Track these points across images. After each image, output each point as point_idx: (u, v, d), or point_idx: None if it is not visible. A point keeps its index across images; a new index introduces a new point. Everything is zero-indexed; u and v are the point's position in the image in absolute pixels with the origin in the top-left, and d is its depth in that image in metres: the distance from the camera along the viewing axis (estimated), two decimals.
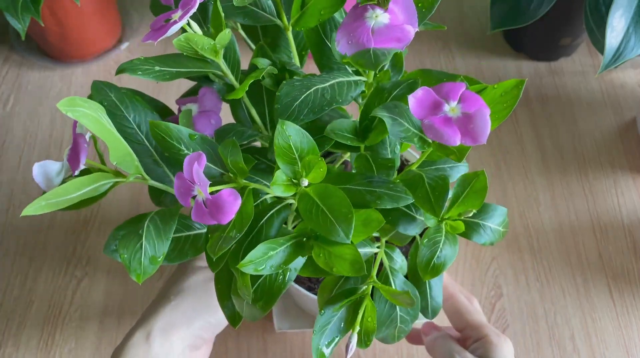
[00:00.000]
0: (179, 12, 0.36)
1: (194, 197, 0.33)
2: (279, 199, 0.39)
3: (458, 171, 0.47)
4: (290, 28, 0.42)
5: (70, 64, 0.88)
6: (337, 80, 0.39)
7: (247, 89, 0.40)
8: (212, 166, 0.38)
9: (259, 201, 0.39)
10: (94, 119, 0.33)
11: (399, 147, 0.42)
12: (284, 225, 0.40)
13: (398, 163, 0.41)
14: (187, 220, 0.46)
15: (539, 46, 0.87)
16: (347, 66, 0.42)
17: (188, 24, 0.38)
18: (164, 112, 0.47)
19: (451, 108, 0.33)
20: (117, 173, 0.37)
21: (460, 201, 0.43)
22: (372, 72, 0.41)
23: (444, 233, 0.44)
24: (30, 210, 0.32)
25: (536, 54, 0.88)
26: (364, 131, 0.40)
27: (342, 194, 0.35)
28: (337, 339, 0.41)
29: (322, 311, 0.41)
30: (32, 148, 0.81)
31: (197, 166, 0.32)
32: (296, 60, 0.45)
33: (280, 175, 0.35)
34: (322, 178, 0.36)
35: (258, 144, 0.49)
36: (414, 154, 0.61)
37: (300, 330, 0.64)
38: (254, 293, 0.39)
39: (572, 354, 0.65)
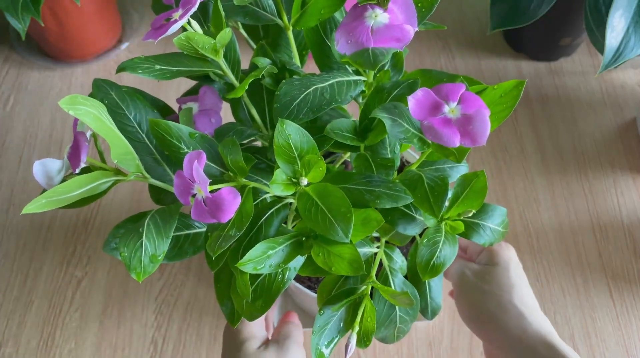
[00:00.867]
0: (180, 11, 0.36)
1: (194, 195, 0.33)
2: (279, 199, 0.39)
3: (458, 171, 0.47)
4: (291, 28, 0.42)
5: (71, 64, 0.88)
6: (336, 79, 0.39)
7: (247, 88, 0.40)
8: (212, 164, 0.38)
9: (258, 200, 0.39)
10: (95, 117, 0.33)
11: (398, 147, 0.42)
12: (283, 224, 0.40)
13: (398, 163, 0.41)
14: (187, 219, 0.46)
15: (539, 46, 0.87)
16: (347, 66, 0.42)
17: (189, 22, 0.38)
18: (165, 110, 0.47)
19: (451, 109, 0.33)
20: (118, 172, 0.37)
21: (460, 201, 0.43)
22: (372, 72, 0.41)
23: (443, 233, 0.44)
24: (31, 208, 0.32)
25: (536, 54, 0.88)
26: (364, 131, 0.40)
27: (341, 193, 0.35)
28: (336, 339, 0.41)
29: (322, 311, 0.41)
30: (32, 148, 0.81)
31: (196, 165, 0.32)
32: (297, 60, 0.45)
33: (279, 174, 0.35)
34: (321, 177, 0.36)
35: (258, 143, 0.49)
36: (413, 155, 0.61)
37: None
38: (253, 292, 0.39)
39: None
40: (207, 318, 0.67)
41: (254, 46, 0.47)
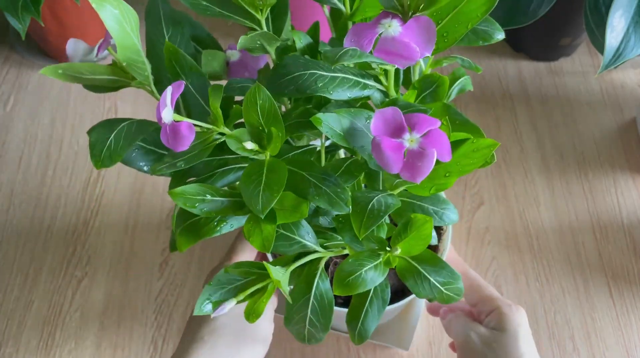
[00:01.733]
0: None
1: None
2: (242, 158, 0.39)
3: (445, 215, 0.44)
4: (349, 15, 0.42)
5: None
6: (344, 75, 0.38)
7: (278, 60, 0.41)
8: (207, 106, 0.39)
9: (225, 156, 0.39)
10: (117, 19, 0.34)
11: None
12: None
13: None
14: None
15: (539, 46, 0.87)
16: (369, 70, 0.41)
17: None
18: (207, 42, 0.46)
19: (411, 139, 0.32)
20: (129, 76, 0.38)
21: (403, 240, 0.40)
22: (392, 83, 0.40)
23: (378, 260, 0.41)
24: (47, 71, 0.34)
25: (536, 54, 0.88)
26: None
27: (285, 174, 0.35)
28: (224, 303, 0.39)
29: (234, 274, 0.40)
30: (32, 148, 0.81)
31: (167, 90, 0.33)
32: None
33: (242, 133, 0.36)
34: (276, 151, 0.37)
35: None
36: None
37: None
38: (180, 222, 0.41)
39: (572, 354, 0.65)
40: None
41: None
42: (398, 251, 0.40)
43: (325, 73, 0.37)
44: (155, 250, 0.72)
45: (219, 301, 0.39)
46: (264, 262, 0.38)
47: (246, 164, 0.39)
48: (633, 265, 0.71)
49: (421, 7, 0.33)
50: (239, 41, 0.38)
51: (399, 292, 0.54)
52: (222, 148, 0.38)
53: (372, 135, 0.33)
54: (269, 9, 0.40)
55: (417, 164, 0.31)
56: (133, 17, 0.35)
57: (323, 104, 0.41)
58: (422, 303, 0.63)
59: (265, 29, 0.41)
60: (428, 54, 0.33)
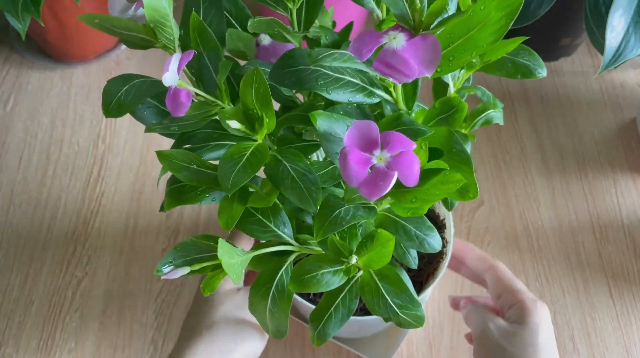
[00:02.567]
0: None
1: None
2: (236, 137, 0.40)
3: (426, 241, 0.43)
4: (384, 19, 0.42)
5: (71, 64, 0.88)
6: (350, 79, 0.38)
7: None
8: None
9: (226, 132, 0.40)
10: None
11: None
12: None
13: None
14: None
15: (539, 45, 0.87)
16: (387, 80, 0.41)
17: None
18: (243, 20, 0.46)
19: (380, 156, 0.31)
20: (156, 37, 0.39)
21: (366, 253, 0.40)
22: (400, 96, 0.39)
23: (338, 267, 0.41)
24: (84, 18, 0.37)
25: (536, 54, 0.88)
26: None
27: (264, 160, 0.36)
28: (178, 269, 0.39)
29: (200, 245, 0.41)
30: (32, 147, 0.81)
31: (177, 56, 0.34)
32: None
33: (236, 112, 0.36)
34: (262, 136, 0.37)
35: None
36: None
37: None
38: (169, 184, 0.42)
39: (572, 354, 0.65)
40: None
41: None
42: (354, 261, 0.39)
43: (330, 72, 0.37)
44: (155, 250, 0.72)
45: (175, 268, 0.39)
46: (220, 239, 0.37)
47: (229, 141, 0.40)
48: (633, 265, 0.71)
49: (432, 25, 0.32)
50: (249, 23, 0.38)
51: None
52: None
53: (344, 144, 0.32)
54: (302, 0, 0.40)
55: (378, 183, 0.31)
56: None
57: (335, 103, 0.41)
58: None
59: (295, 19, 0.41)
60: (427, 75, 0.32)
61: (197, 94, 0.38)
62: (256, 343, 0.49)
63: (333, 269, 0.40)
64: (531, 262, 0.71)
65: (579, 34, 0.83)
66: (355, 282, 0.42)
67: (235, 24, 0.45)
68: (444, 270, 0.54)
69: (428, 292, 0.54)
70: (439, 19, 0.31)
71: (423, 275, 0.57)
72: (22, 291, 0.70)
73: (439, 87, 0.44)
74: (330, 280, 0.40)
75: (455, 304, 0.58)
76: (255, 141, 0.37)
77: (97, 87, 0.87)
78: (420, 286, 0.56)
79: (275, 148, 0.40)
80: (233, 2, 0.44)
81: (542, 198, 0.76)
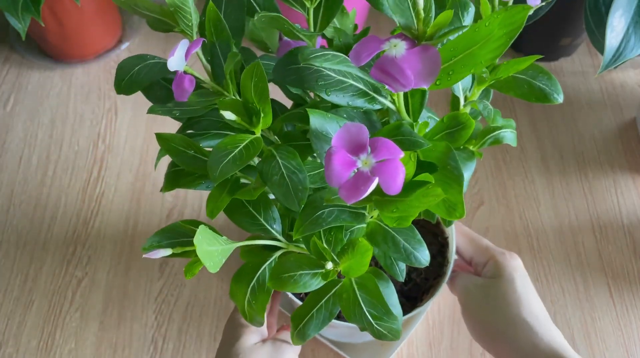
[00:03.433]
0: None
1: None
2: (236, 129, 0.40)
3: (413, 255, 0.42)
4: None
5: (71, 64, 0.88)
6: (353, 82, 0.37)
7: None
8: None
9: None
10: None
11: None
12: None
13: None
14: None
15: (539, 46, 0.87)
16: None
17: None
18: (270, 6, 0.46)
19: (365, 160, 0.31)
20: (175, 21, 0.40)
21: (345, 259, 0.39)
22: (402, 104, 0.39)
23: (318, 270, 0.40)
24: None
25: (536, 54, 0.88)
26: None
27: (255, 153, 0.36)
28: (160, 249, 0.40)
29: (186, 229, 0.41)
30: (32, 148, 0.81)
31: (185, 42, 0.35)
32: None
33: (237, 104, 0.37)
34: (259, 131, 0.37)
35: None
36: None
37: None
38: (170, 167, 0.43)
39: None
40: (207, 318, 0.68)
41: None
42: (329, 267, 0.39)
43: (332, 74, 0.37)
44: None
45: (162, 247, 0.40)
46: (202, 225, 0.37)
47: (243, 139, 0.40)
48: (633, 265, 0.71)
49: (436, 36, 0.31)
50: (255, 17, 0.39)
51: None
52: None
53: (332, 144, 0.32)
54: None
55: (359, 187, 0.30)
56: None
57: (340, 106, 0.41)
58: (405, 337, 0.62)
59: (311, 18, 0.41)
60: (424, 87, 0.32)
61: (203, 82, 0.38)
62: None
63: (312, 271, 0.40)
64: (531, 262, 0.71)
65: (579, 34, 0.83)
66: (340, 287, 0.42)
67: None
68: (440, 290, 0.53)
69: (422, 309, 0.53)
70: (444, 30, 0.31)
71: (420, 290, 0.57)
72: (22, 291, 0.70)
73: (456, 101, 0.44)
74: (308, 282, 0.40)
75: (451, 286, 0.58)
76: (253, 134, 0.37)
77: (97, 87, 0.87)
78: (414, 302, 0.56)
79: (280, 143, 0.40)
80: None
81: (542, 198, 0.76)
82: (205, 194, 0.74)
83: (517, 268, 0.50)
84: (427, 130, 0.41)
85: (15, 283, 0.70)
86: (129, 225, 0.74)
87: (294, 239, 0.39)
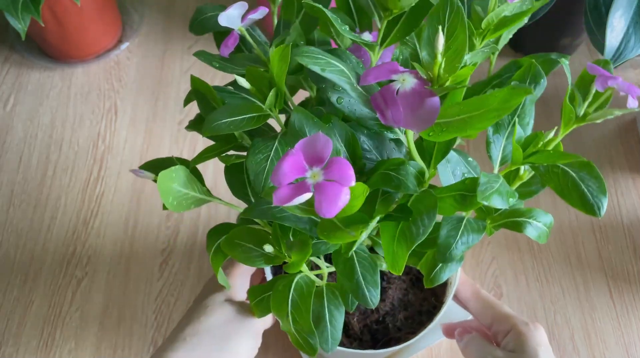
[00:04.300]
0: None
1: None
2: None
3: (367, 291, 0.40)
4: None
5: (71, 64, 0.88)
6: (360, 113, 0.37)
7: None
8: None
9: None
10: None
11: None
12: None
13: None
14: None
15: (539, 46, 0.87)
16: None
17: None
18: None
19: (315, 174, 0.30)
20: None
21: (294, 251, 0.39)
22: (413, 146, 0.36)
23: (263, 251, 0.41)
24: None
25: (536, 54, 0.88)
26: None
27: (260, 124, 0.36)
28: (146, 172, 0.42)
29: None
30: (32, 148, 0.81)
31: (241, 3, 0.38)
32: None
33: (262, 77, 0.37)
34: (270, 105, 0.37)
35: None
36: None
37: None
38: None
39: (572, 354, 0.65)
40: None
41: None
42: (269, 250, 0.40)
43: (356, 91, 0.35)
44: (155, 250, 0.72)
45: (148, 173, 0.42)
46: (180, 166, 0.39)
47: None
48: (633, 265, 0.71)
49: (448, 82, 0.30)
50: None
51: (390, 341, 0.53)
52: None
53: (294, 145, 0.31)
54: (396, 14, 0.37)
55: (292, 193, 0.29)
56: None
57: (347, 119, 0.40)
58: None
59: (383, 30, 0.39)
60: (414, 131, 0.31)
61: (254, 48, 0.40)
62: (250, 344, 0.48)
63: (260, 251, 0.41)
64: (531, 262, 0.71)
65: (579, 34, 0.83)
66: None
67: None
68: (422, 334, 0.52)
69: (411, 342, 0.52)
70: (459, 86, 0.30)
71: (387, 335, 0.55)
72: (22, 291, 0.70)
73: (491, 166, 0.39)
74: (254, 258, 0.41)
75: (448, 332, 0.56)
76: (262, 110, 0.37)
77: (97, 87, 0.87)
78: (375, 343, 0.54)
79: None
80: None
81: (542, 197, 0.76)
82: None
83: (541, 343, 0.46)
84: (449, 182, 0.38)
85: (15, 283, 0.70)
86: (129, 225, 0.74)
87: (241, 216, 0.40)
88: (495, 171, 0.38)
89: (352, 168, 0.29)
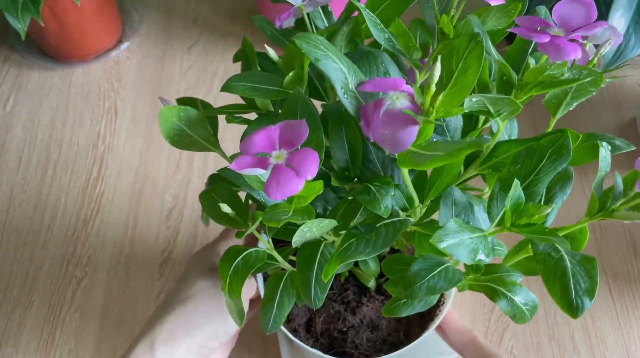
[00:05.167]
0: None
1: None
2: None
3: (312, 290, 0.39)
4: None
5: (70, 64, 0.88)
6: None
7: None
8: None
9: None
10: None
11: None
12: None
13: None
14: None
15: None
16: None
17: None
18: None
19: (280, 155, 0.30)
20: None
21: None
22: (408, 177, 0.37)
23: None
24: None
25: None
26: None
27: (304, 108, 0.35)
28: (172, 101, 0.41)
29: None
30: (32, 148, 0.81)
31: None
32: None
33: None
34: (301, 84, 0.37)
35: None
36: None
37: None
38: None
39: (572, 354, 0.65)
40: None
41: None
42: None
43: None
44: (155, 250, 0.72)
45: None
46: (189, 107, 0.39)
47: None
48: (633, 265, 0.71)
49: (438, 112, 0.30)
50: None
51: (398, 344, 0.52)
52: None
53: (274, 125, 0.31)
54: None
55: (254, 163, 0.29)
56: None
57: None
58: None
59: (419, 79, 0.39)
60: (388, 150, 0.31)
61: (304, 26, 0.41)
62: (226, 321, 0.47)
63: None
64: None
65: None
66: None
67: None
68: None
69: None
70: (449, 119, 0.30)
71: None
72: (22, 291, 0.70)
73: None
74: (219, 216, 0.41)
75: None
76: (289, 93, 0.37)
77: (97, 87, 0.87)
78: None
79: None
80: None
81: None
82: None
83: None
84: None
85: (15, 283, 0.70)
86: (129, 225, 0.74)
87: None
88: (491, 229, 0.36)
89: (317, 162, 0.29)
